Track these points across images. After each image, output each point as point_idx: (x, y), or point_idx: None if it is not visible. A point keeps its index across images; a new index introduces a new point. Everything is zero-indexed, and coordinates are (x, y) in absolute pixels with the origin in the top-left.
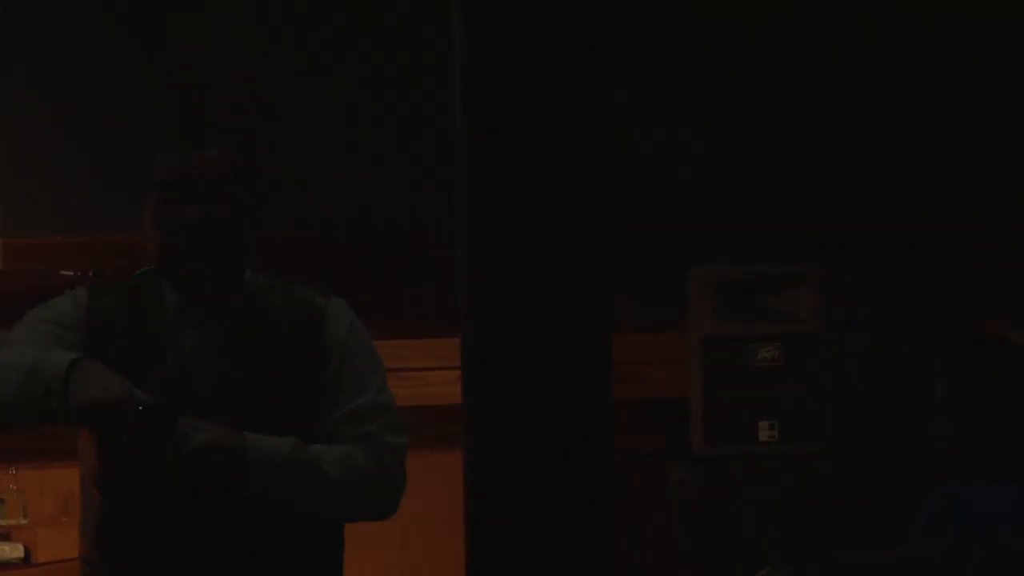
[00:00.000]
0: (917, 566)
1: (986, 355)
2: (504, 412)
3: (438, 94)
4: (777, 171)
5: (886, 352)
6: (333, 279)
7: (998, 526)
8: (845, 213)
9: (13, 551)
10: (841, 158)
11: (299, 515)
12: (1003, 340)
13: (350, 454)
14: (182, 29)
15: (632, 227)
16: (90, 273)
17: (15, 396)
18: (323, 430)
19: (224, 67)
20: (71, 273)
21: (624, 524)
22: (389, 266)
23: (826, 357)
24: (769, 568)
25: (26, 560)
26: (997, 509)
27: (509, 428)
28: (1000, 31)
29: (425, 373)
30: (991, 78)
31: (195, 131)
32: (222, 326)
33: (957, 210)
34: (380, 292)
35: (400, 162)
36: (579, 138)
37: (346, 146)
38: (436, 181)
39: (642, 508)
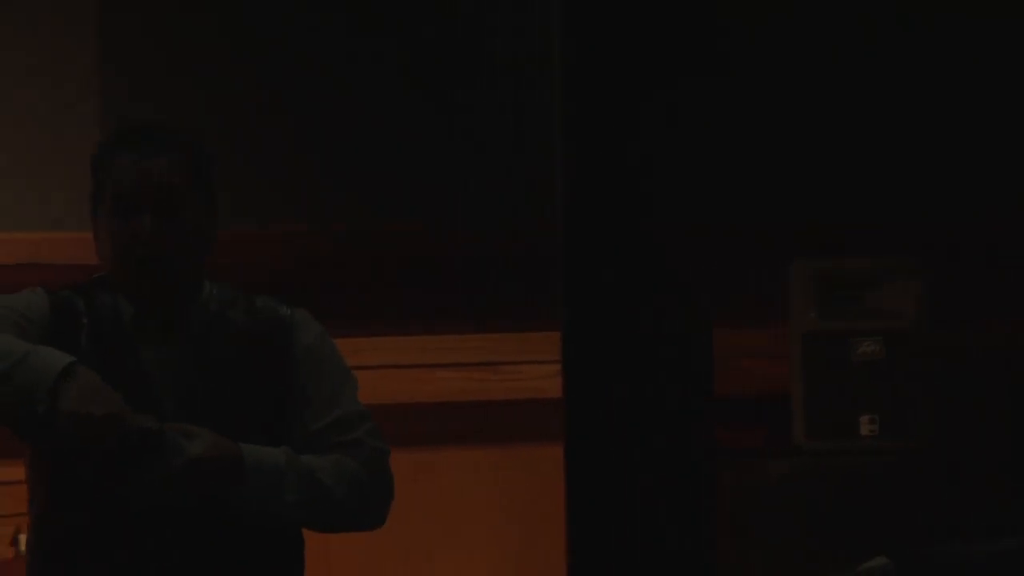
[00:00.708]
0: (1012, 561)
1: None
2: (604, 406)
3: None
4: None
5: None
6: (430, 272)
7: None
8: (845, 213)
9: None
10: (843, 157)
11: (291, 525)
12: None
13: (342, 463)
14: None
15: (729, 224)
16: None
17: None
18: (298, 442)
19: (240, 59)
20: None
21: (725, 518)
22: (490, 261)
23: (925, 352)
24: (870, 561)
25: None
26: None
27: (609, 422)
28: (1000, 31)
29: (522, 366)
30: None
31: (148, 137)
32: (184, 340)
33: (957, 210)
34: (478, 286)
35: (492, 161)
36: (672, 139)
37: (454, 139)
38: (522, 182)
39: (743, 503)
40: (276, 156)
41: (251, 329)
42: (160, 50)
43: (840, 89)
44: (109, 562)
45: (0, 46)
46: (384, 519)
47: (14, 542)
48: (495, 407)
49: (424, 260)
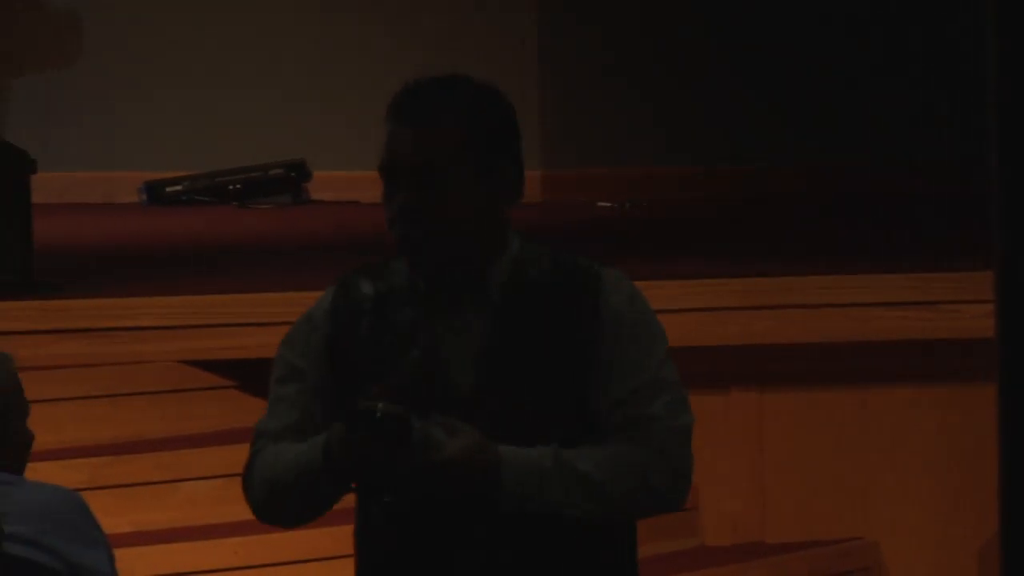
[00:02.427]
0: None
1: None
2: None
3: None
4: None
5: None
6: (870, 211)
7: None
8: None
9: None
10: None
11: (564, 521)
12: None
13: (619, 453)
14: None
15: None
16: (626, 204)
17: (302, 497)
18: (597, 412)
19: None
20: (608, 204)
21: None
22: (926, 200)
23: None
24: None
25: None
26: None
27: None
28: None
29: (961, 306)
30: None
31: (417, 99)
32: (480, 309)
33: None
34: (918, 224)
35: (931, 98)
36: None
37: (888, 84)
38: (958, 119)
39: None
40: (720, 98)
41: (554, 292)
42: None
43: None
44: (424, 541)
45: None
46: (679, 500)
47: None
48: (935, 346)
49: (864, 198)
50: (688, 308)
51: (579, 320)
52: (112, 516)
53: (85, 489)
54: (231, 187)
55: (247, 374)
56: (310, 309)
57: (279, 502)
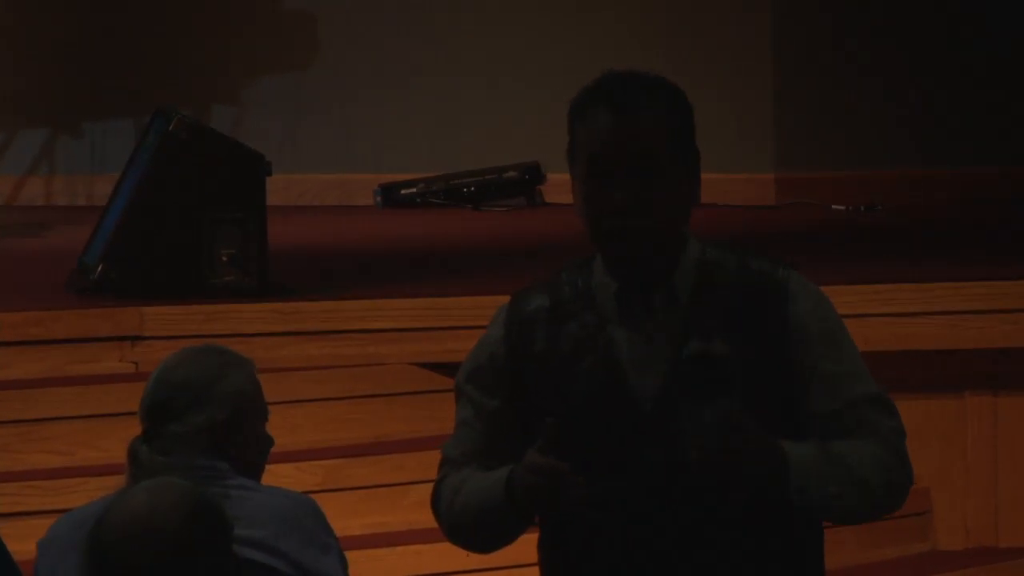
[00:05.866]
0: None
1: None
2: None
3: None
4: None
5: None
6: None
7: None
8: None
9: None
10: None
11: (829, 514)
12: None
13: (874, 451)
14: None
15: None
16: (860, 208)
17: (485, 534)
18: (807, 418)
19: None
20: (842, 207)
21: None
22: None
23: None
24: None
25: None
26: None
27: None
28: None
29: None
30: None
31: (627, 90)
32: (665, 312)
33: None
34: None
35: None
36: None
37: None
38: None
39: None
40: (954, 99)
41: (740, 296)
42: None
43: None
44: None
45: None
46: (903, 501)
47: None
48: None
49: None
50: (924, 312)
51: (768, 327)
52: (346, 518)
53: (319, 491)
54: (465, 190)
55: None
56: (485, 331)
57: (464, 532)
